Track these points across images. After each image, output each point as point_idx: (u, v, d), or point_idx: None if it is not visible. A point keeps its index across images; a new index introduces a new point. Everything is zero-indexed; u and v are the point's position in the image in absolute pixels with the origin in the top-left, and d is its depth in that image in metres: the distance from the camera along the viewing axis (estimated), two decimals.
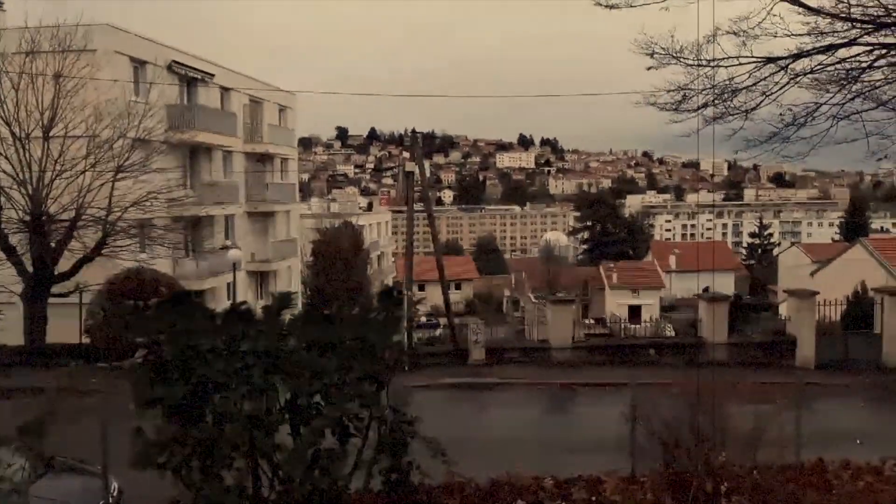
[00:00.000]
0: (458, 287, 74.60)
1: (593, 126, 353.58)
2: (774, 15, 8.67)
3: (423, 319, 42.77)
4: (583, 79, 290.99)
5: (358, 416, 5.82)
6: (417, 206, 24.11)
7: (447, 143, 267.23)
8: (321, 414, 5.72)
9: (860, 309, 23.02)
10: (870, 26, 8.89)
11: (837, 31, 9.33)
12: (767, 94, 9.98)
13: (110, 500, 7.74)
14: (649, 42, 9.75)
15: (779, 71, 9.31)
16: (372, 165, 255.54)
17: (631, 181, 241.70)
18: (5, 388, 15.57)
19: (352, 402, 5.77)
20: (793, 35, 8.72)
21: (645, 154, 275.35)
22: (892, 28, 8.78)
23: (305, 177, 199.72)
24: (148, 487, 6.33)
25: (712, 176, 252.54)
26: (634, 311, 56.76)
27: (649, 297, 60.65)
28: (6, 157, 20.01)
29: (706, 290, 58.11)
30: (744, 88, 9.68)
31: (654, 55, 9.89)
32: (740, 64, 9.81)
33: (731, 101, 9.95)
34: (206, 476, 5.44)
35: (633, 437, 8.53)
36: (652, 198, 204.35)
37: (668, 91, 10.10)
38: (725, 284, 66.94)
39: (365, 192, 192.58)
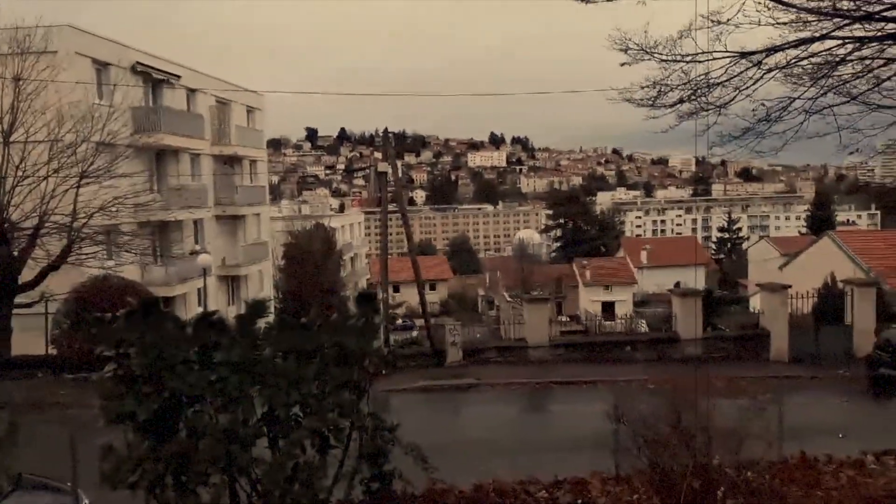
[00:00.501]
0: (432, 287, 74.42)
1: (564, 124, 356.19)
2: (748, 9, 8.64)
3: (399, 321, 42.55)
4: (554, 77, 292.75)
5: (338, 426, 5.62)
6: (391, 207, 23.89)
7: (418, 143, 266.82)
8: (300, 425, 5.50)
9: (830, 301, 23.34)
10: (842, 20, 8.90)
11: (810, 24, 9.32)
12: (741, 89, 9.94)
13: None
14: (623, 38, 9.66)
15: (753, 66, 9.28)
16: (343, 166, 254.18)
17: (601, 178, 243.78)
18: None
19: (331, 412, 5.57)
20: (776, 25, 8.70)
21: (615, 151, 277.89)
22: (864, 22, 8.80)
23: (275, 179, 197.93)
24: None
25: (681, 172, 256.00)
26: (608, 308, 57.14)
27: (622, 293, 61.12)
28: None
29: (677, 285, 58.84)
30: (718, 84, 9.63)
31: (628, 51, 9.81)
32: (714, 59, 9.75)
33: (706, 96, 9.89)
34: (180, 493, 5.21)
35: (617, 436, 8.45)
36: (622, 195, 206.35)
37: (643, 87, 10.02)
38: (696, 279, 67.78)
39: (336, 193, 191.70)
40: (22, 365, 19.03)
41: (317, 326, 5.92)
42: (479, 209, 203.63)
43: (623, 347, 22.18)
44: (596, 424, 9.34)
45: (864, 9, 8.96)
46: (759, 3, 8.91)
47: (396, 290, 62.83)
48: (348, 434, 5.82)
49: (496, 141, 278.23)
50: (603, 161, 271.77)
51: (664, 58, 9.71)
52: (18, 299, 20.19)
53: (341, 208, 73.55)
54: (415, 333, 32.40)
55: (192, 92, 33.19)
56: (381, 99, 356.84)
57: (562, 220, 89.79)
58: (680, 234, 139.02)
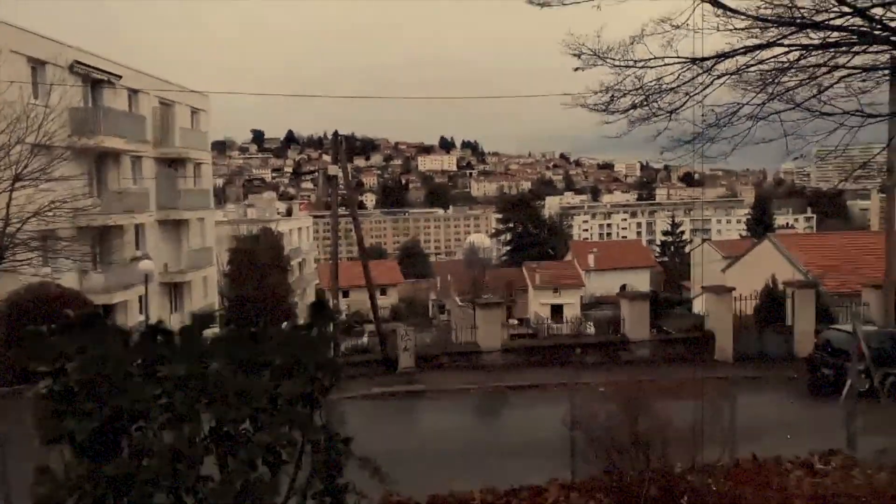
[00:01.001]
0: (383, 292, 73.96)
1: (513, 129, 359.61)
2: (699, 17, 8.76)
3: (349, 325, 42.04)
4: (504, 82, 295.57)
5: (290, 441, 5.38)
6: (341, 211, 23.55)
7: (368, 146, 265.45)
8: (250, 441, 5.25)
9: (772, 303, 24.00)
10: (788, 28, 9.10)
11: (755, 32, 9.51)
12: (691, 94, 10.09)
13: None
14: (577, 42, 9.70)
15: (703, 73, 9.43)
16: (290, 169, 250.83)
17: (550, 183, 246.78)
18: None
19: (283, 426, 5.33)
20: (732, 30, 8.84)
21: (562, 156, 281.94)
22: (809, 31, 9.02)
23: (220, 182, 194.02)
24: None
25: (626, 177, 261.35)
26: (557, 311, 57.82)
27: (570, 296, 61.94)
28: None
29: (623, 287, 59.86)
30: (670, 90, 9.75)
31: (582, 56, 9.85)
32: (665, 65, 9.88)
33: (658, 102, 10.00)
34: None
35: (572, 442, 8.42)
36: (570, 199, 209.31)
37: (597, 92, 10.08)
38: (641, 281, 69.24)
39: (283, 196, 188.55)
40: None
41: (267, 337, 5.66)
42: (430, 213, 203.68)
43: (574, 351, 22.34)
44: (551, 429, 9.31)
45: (808, 19, 9.18)
46: (710, 12, 9.05)
47: (346, 295, 62.24)
48: (301, 449, 5.59)
49: (446, 145, 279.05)
50: (551, 166, 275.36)
51: (617, 63, 9.79)
52: None
53: (289, 212, 72.34)
54: (365, 339, 32.07)
55: (133, 93, 32.19)
56: (330, 101, 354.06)
57: (512, 224, 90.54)
58: (626, 237, 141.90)
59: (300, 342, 5.61)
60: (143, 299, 29.28)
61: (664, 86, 9.39)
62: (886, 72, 11.20)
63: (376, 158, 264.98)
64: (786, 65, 9.32)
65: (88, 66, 28.41)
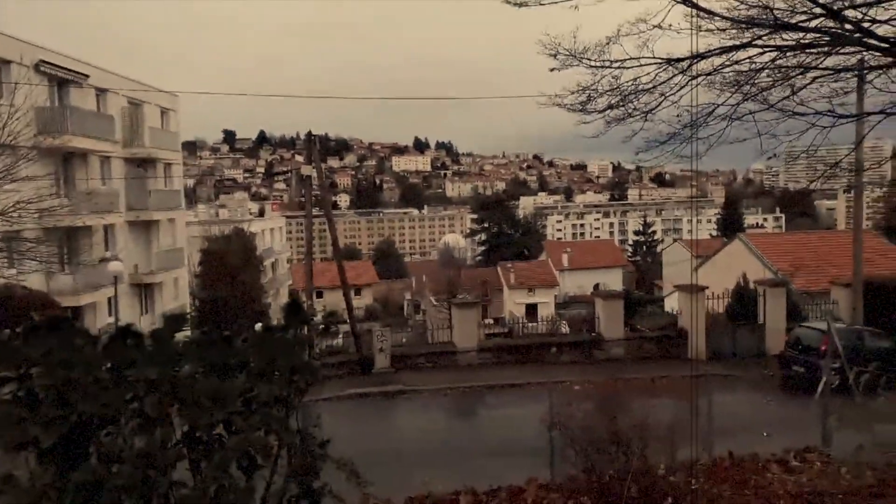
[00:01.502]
0: (357, 292, 73.58)
1: (487, 130, 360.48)
2: (674, 18, 8.79)
3: (322, 327, 41.70)
4: (479, 82, 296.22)
5: (265, 445, 5.25)
6: (314, 211, 23.34)
7: (341, 147, 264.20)
8: (224, 446, 5.11)
9: (743, 301, 24.29)
10: (762, 30, 9.17)
11: (731, 33, 9.56)
12: (667, 95, 10.12)
13: None
14: (553, 42, 9.66)
15: (679, 73, 9.45)
16: (262, 170, 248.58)
17: (524, 183, 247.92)
18: None
19: (258, 430, 5.20)
20: (706, 31, 8.87)
21: (536, 157, 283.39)
22: (783, 32, 9.09)
23: (191, 182, 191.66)
24: None
25: (598, 178, 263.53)
26: (531, 310, 57.98)
27: (545, 295, 62.19)
28: None
29: (597, 286, 60.19)
30: (646, 91, 9.76)
31: (558, 56, 9.82)
32: (641, 66, 9.89)
33: (634, 102, 10.02)
34: None
35: (551, 442, 8.38)
36: (543, 199, 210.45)
37: (573, 92, 10.06)
38: (614, 280, 69.87)
39: (256, 197, 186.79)
40: None
41: (241, 339, 5.53)
42: (405, 213, 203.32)
43: (549, 349, 22.40)
44: (529, 429, 9.28)
45: (781, 20, 9.27)
46: (686, 13, 9.08)
47: (320, 295, 61.77)
48: (276, 453, 5.46)
49: (421, 145, 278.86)
50: (525, 166, 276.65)
51: (593, 63, 9.77)
52: None
53: (261, 213, 71.63)
54: (339, 340, 31.83)
55: (101, 92, 31.57)
56: (302, 101, 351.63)
57: (486, 225, 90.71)
58: (598, 237, 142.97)
59: (275, 344, 5.50)
60: (113, 301, 28.73)
61: (640, 86, 9.39)
62: (856, 73, 11.37)
63: (350, 159, 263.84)
64: (760, 66, 9.39)
65: (54, 65, 27.81)
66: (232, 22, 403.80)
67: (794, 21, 8.74)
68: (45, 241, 24.06)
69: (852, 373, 13.08)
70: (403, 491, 8.60)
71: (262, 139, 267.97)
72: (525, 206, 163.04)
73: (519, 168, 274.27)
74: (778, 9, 8.71)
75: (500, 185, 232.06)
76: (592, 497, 6.92)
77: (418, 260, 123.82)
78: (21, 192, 21.02)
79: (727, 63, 9.22)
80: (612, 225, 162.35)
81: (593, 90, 9.46)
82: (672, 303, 33.77)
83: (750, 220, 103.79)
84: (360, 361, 21.05)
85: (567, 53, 9.76)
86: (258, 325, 6.58)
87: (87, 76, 29.95)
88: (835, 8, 8.48)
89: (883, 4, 8.78)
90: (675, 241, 74.72)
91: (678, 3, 9.13)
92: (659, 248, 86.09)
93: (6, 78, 25.11)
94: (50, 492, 4.95)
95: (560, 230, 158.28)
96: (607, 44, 9.60)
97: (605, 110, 9.53)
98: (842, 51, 9.73)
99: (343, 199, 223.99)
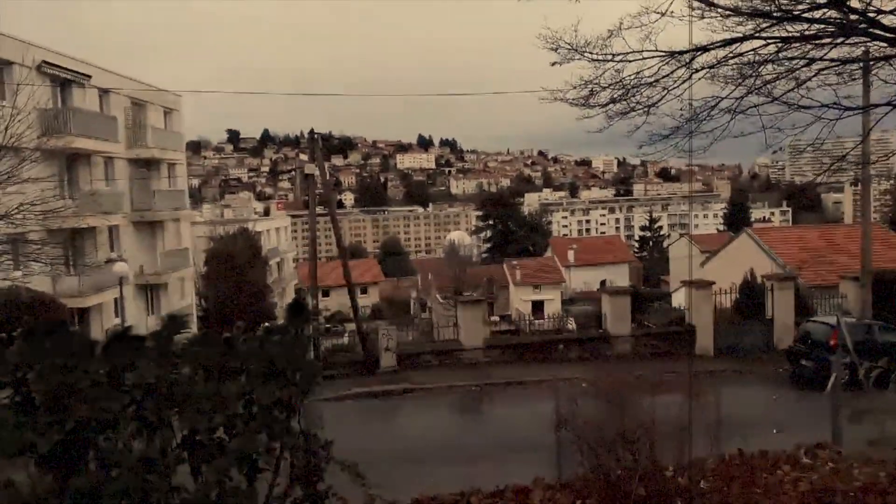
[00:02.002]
0: (363, 291, 73.60)
1: (491, 126, 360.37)
2: (676, 10, 8.67)
3: (328, 326, 41.78)
4: (483, 79, 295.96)
5: (267, 448, 5.19)
6: (319, 210, 23.27)
7: (345, 145, 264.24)
8: (225, 449, 5.04)
9: (751, 296, 24.14)
10: (766, 21, 9.04)
11: (733, 25, 9.44)
12: (669, 89, 10.00)
13: None
14: (554, 36, 9.56)
15: (682, 66, 9.33)
16: (267, 169, 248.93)
17: (528, 180, 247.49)
18: None
19: (259, 433, 5.13)
20: (708, 25, 8.76)
21: (540, 153, 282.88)
22: (787, 23, 8.96)
23: (196, 182, 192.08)
24: None
25: (603, 173, 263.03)
26: (538, 307, 57.92)
27: (551, 292, 62.10)
28: None
29: (603, 282, 60.03)
30: (648, 84, 9.65)
31: (559, 50, 9.71)
32: (644, 59, 9.77)
33: (637, 96, 9.90)
34: None
35: (558, 440, 8.29)
36: (548, 195, 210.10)
37: (575, 87, 9.95)
38: (620, 276, 69.65)
39: (261, 196, 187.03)
40: None
41: (242, 341, 5.47)
42: (410, 211, 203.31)
43: (557, 347, 22.31)
44: (536, 427, 9.20)
45: (785, 10, 9.13)
46: (688, 5, 8.97)
47: (326, 294, 61.80)
48: (278, 455, 5.40)
49: (424, 143, 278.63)
50: (529, 163, 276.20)
51: (595, 57, 9.66)
52: None
53: (266, 212, 71.67)
54: (345, 339, 31.82)
55: (104, 93, 31.59)
56: (306, 100, 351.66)
57: (491, 222, 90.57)
58: (604, 233, 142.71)
59: (276, 346, 5.43)
60: (119, 302, 28.78)
61: (643, 80, 9.28)
62: (861, 64, 11.23)
63: (354, 157, 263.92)
64: (764, 58, 9.26)
65: (57, 65, 27.83)
66: (235, 21, 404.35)
67: (797, 11, 8.62)
68: (49, 243, 24.08)
69: (862, 368, 12.93)
70: (409, 491, 8.53)
71: (267, 138, 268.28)
72: (530, 202, 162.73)
73: (524, 164, 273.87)
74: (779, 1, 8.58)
75: (505, 182, 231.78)
76: (599, 497, 6.83)
77: (424, 258, 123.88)
78: (25, 194, 21.02)
79: (730, 55, 9.10)
80: (617, 220, 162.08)
81: (595, 84, 9.35)
82: (679, 298, 33.61)
83: (757, 214, 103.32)
84: (365, 360, 21.00)
85: (568, 47, 9.65)
86: (265, 325, 6.54)
87: (89, 77, 29.97)
88: None
89: None
90: (681, 235, 74.52)
91: None
92: (665, 244, 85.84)
93: (8, 79, 25.14)
94: (50, 498, 4.90)
95: (566, 226, 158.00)
96: (609, 37, 9.49)
97: (607, 104, 9.42)
98: (847, 42, 9.59)
99: (348, 198, 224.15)
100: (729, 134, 10.42)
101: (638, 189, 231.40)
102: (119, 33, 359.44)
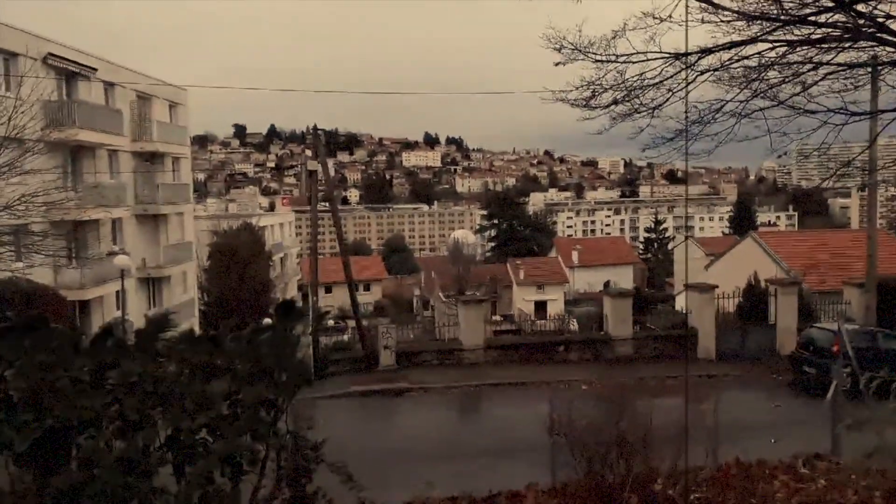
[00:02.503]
0: (367, 288, 73.55)
1: (497, 125, 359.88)
2: (682, 11, 8.53)
3: (331, 323, 41.74)
4: (490, 78, 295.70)
5: (251, 450, 5.10)
6: (322, 206, 23.22)
7: (352, 141, 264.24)
8: (208, 450, 4.96)
9: (754, 300, 23.96)
10: (772, 24, 8.90)
11: (739, 27, 9.31)
12: (674, 90, 9.86)
13: None
14: (558, 36, 9.44)
15: (686, 68, 9.19)
16: (273, 164, 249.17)
17: (534, 180, 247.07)
18: None
19: (244, 434, 5.04)
20: (716, 23, 8.63)
21: (547, 153, 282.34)
22: (794, 26, 8.82)
23: (202, 176, 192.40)
24: None
25: (610, 174, 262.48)
26: (541, 307, 57.78)
27: (554, 292, 61.94)
28: None
29: (607, 284, 59.88)
30: (652, 85, 9.51)
31: (562, 50, 9.59)
32: (647, 60, 9.64)
33: (640, 97, 9.77)
34: None
35: (553, 445, 8.19)
36: (554, 195, 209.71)
37: (577, 87, 9.83)
38: (624, 278, 69.41)
39: (266, 191, 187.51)
40: None
41: (229, 340, 5.38)
42: (415, 209, 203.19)
43: (557, 348, 22.19)
44: (532, 429, 9.10)
45: (791, 12, 9.00)
46: (694, 7, 8.84)
47: (329, 290, 61.77)
48: (264, 457, 5.31)
49: (431, 141, 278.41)
50: (535, 162, 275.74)
51: (598, 58, 9.53)
52: None
53: (271, 207, 71.73)
54: (346, 336, 31.74)
55: (110, 86, 31.56)
56: (313, 96, 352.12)
57: (496, 221, 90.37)
58: (609, 234, 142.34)
59: (263, 345, 5.35)
60: (121, 295, 28.76)
61: (646, 81, 9.15)
62: (869, 69, 11.08)
63: (360, 154, 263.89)
64: (770, 61, 9.12)
65: (62, 58, 27.80)
66: (242, 17, 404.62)
67: (804, 15, 8.47)
68: (52, 235, 24.06)
69: (863, 378, 12.73)
70: (401, 493, 8.45)
71: (273, 133, 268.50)
72: (535, 202, 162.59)
73: (529, 164, 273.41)
74: (788, 2, 8.44)
75: (511, 181, 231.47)
76: (593, 502, 6.73)
77: (428, 255, 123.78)
78: (27, 186, 20.99)
79: (735, 58, 8.97)
80: (623, 222, 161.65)
81: (598, 85, 9.23)
82: (683, 301, 33.43)
83: (762, 217, 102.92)
84: (365, 358, 20.92)
85: (572, 47, 9.53)
86: (253, 324, 6.45)
87: (95, 70, 29.94)
88: (846, 0, 8.20)
89: None
90: (686, 238, 74.20)
91: None
92: (670, 246, 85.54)
93: (14, 70, 25.10)
94: (29, 497, 4.83)
95: (570, 227, 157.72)
96: (613, 38, 9.37)
97: (609, 106, 9.28)
98: (855, 46, 9.45)
99: (353, 194, 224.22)
100: (734, 137, 10.29)
101: (644, 191, 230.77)
102: (126, 27, 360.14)
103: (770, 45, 9.38)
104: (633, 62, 9.56)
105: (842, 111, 9.72)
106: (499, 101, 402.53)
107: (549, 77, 10.59)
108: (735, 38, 9.30)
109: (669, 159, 12.05)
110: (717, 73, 9.67)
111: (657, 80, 9.54)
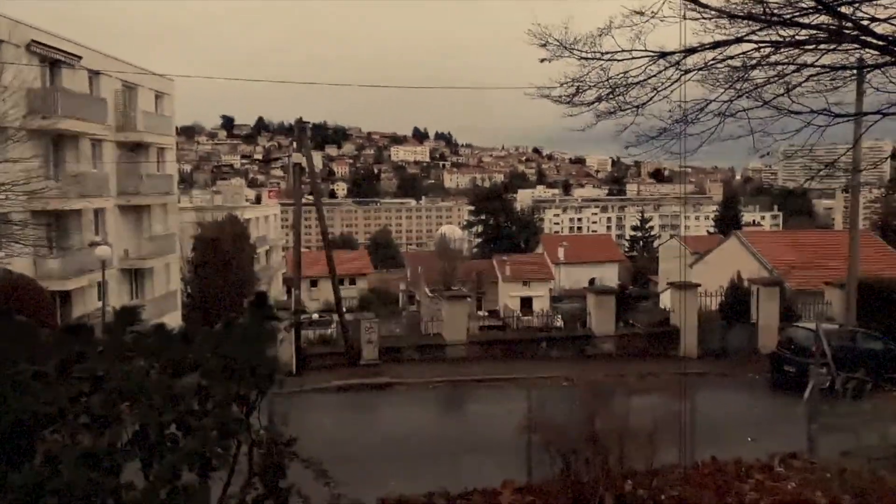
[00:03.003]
0: (352, 282, 73.35)
1: (486, 121, 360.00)
2: (668, 10, 8.51)
3: (316, 317, 41.58)
4: (478, 74, 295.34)
5: (222, 446, 5.01)
6: (308, 199, 23.08)
7: (340, 135, 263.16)
8: (177, 447, 4.87)
9: (736, 299, 24.08)
10: (756, 24, 8.90)
11: (724, 26, 9.30)
12: (658, 89, 9.85)
13: None
14: (543, 33, 9.40)
15: (671, 67, 9.18)
16: (260, 156, 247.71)
17: (522, 176, 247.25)
18: None
19: (213, 430, 4.96)
20: (699, 26, 8.61)
21: (535, 150, 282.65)
22: (779, 27, 8.82)
23: (188, 168, 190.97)
24: None
25: (597, 172, 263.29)
26: (526, 303, 57.92)
27: (540, 288, 62.08)
28: None
29: (592, 281, 60.01)
30: (637, 84, 9.49)
31: (548, 46, 9.56)
32: (633, 58, 9.62)
33: (624, 95, 9.75)
34: None
35: (529, 444, 8.16)
36: (541, 192, 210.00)
37: (562, 84, 9.79)
38: (610, 275, 69.67)
39: (252, 183, 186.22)
40: None
41: (202, 334, 5.29)
42: (402, 203, 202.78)
43: (540, 344, 22.21)
44: (510, 426, 9.06)
45: (777, 14, 8.99)
46: (679, 5, 8.81)
47: (315, 284, 61.52)
48: (234, 454, 5.23)
49: (419, 136, 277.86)
50: (524, 159, 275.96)
51: (583, 55, 9.50)
52: None
53: (257, 199, 71.21)
54: (331, 330, 31.64)
55: (95, 74, 31.17)
56: (302, 89, 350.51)
57: (484, 217, 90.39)
58: (596, 231, 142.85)
59: (234, 340, 5.26)
60: (102, 286, 28.48)
61: (630, 79, 9.12)
62: (853, 71, 11.11)
63: (348, 147, 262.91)
64: (754, 61, 9.12)
65: (46, 45, 27.42)
66: (232, 8, 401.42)
67: (788, 16, 8.48)
68: (32, 224, 23.76)
69: (840, 378, 12.90)
70: (378, 489, 8.40)
71: (261, 125, 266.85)
72: (523, 198, 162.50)
73: (518, 161, 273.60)
74: (773, 3, 8.44)
75: (499, 178, 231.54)
76: (567, 501, 6.71)
77: (414, 250, 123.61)
78: (8, 174, 20.70)
79: (720, 58, 8.96)
80: (609, 220, 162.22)
81: (581, 82, 9.20)
82: (667, 299, 33.57)
83: (748, 217, 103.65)
84: (347, 352, 20.84)
85: (557, 44, 9.49)
86: (224, 319, 6.35)
87: (79, 58, 29.56)
88: (831, 3, 8.21)
89: (882, 1, 8.52)
90: (671, 237, 74.57)
91: None
92: (656, 244, 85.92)
93: None
94: None
95: (557, 224, 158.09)
96: (599, 35, 9.34)
97: (592, 103, 9.26)
98: (839, 48, 9.47)
99: (340, 188, 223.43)
100: (718, 137, 10.30)
101: (631, 189, 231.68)
102: (113, 16, 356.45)
103: (755, 46, 9.38)
104: (619, 60, 9.54)
105: (825, 112, 9.75)
106: (488, 97, 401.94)
107: (537, 74, 10.55)
108: (720, 37, 9.31)
109: (653, 158, 12.06)
110: (702, 72, 9.68)
111: (641, 78, 9.53)
